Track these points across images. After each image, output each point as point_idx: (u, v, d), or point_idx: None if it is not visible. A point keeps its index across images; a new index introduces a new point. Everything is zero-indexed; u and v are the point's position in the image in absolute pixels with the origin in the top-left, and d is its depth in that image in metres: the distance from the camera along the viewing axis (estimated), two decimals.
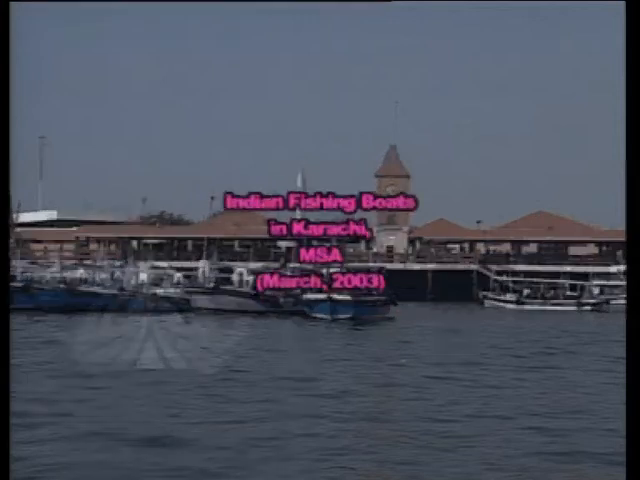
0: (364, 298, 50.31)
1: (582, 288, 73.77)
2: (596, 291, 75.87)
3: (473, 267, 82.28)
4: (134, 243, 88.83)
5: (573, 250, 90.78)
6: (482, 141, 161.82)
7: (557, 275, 77.90)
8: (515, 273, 78.70)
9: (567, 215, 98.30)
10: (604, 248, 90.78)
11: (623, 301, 71.65)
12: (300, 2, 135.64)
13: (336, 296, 48.84)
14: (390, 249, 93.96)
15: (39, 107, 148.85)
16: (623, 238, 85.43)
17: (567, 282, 75.35)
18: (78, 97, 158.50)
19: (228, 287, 53.33)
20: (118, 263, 61.18)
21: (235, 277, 54.26)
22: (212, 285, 53.37)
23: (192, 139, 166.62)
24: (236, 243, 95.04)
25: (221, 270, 56.15)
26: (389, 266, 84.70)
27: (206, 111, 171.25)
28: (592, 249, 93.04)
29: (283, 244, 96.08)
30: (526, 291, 70.94)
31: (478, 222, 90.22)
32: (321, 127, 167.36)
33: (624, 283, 76.90)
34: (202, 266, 56.41)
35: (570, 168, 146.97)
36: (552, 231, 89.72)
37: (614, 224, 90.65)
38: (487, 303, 70.94)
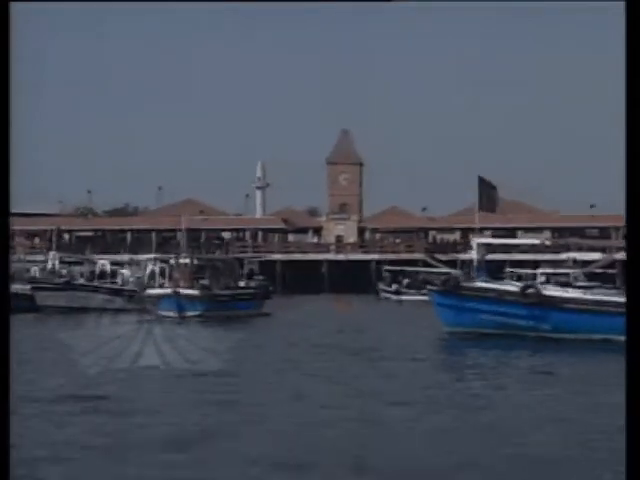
0: (219, 292, 43.70)
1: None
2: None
3: (418, 256, 78.67)
4: (66, 236, 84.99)
5: (526, 237, 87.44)
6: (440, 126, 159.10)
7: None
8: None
9: (521, 200, 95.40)
10: (556, 235, 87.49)
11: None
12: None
13: (183, 290, 42.43)
14: (340, 239, 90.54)
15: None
16: (578, 224, 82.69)
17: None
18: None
19: (82, 282, 47.97)
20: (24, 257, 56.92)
21: (97, 270, 48.73)
22: (63, 280, 47.95)
23: (152, 129, 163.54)
24: (178, 234, 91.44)
25: (76, 263, 50.63)
26: (330, 257, 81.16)
27: (172, 103, 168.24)
28: (547, 235, 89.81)
29: (227, 235, 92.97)
30: (406, 281, 68.13)
31: (423, 209, 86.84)
32: (278, 113, 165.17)
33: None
34: (51, 258, 50.06)
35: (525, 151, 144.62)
36: (505, 218, 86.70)
37: (571, 210, 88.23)
38: (382, 294, 68.81)
